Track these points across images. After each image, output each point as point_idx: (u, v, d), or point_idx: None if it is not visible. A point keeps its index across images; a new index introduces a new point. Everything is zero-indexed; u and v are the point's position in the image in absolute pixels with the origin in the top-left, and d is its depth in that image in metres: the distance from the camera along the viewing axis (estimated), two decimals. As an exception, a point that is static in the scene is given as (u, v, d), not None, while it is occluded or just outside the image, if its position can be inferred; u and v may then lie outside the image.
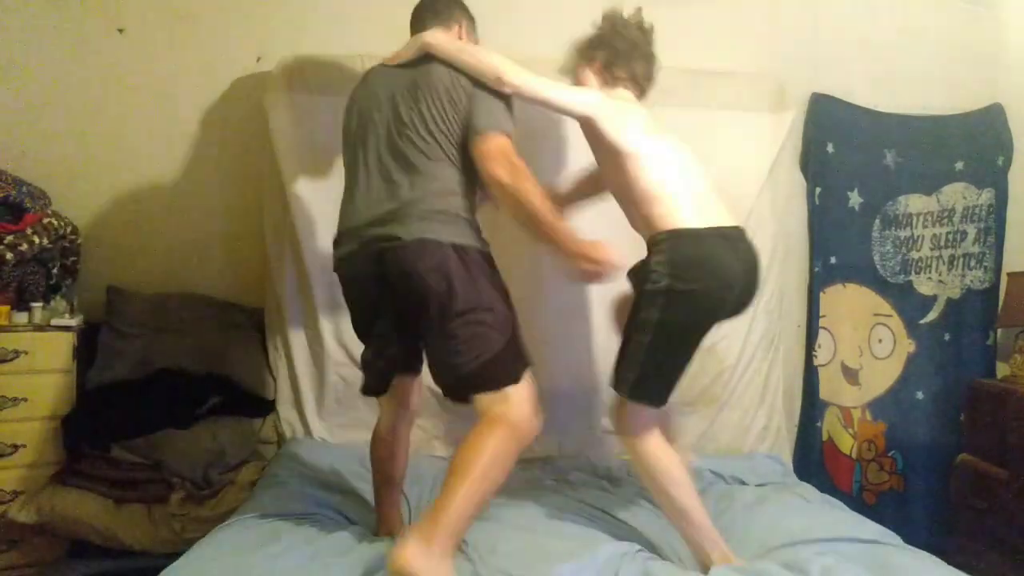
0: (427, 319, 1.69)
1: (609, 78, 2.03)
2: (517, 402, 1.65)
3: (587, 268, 1.70)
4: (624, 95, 2.03)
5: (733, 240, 1.84)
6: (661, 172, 1.86)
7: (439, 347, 1.72)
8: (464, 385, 1.69)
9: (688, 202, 1.83)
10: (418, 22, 1.98)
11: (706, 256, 1.77)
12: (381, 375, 1.90)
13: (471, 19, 2.05)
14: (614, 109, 1.91)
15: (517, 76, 1.78)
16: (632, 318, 1.82)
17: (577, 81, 2.07)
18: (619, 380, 1.83)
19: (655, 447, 1.80)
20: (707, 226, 1.81)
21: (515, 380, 1.67)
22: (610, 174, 1.97)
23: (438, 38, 1.85)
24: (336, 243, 1.87)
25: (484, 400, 1.66)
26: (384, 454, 1.97)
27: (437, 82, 1.78)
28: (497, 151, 1.70)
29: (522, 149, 1.76)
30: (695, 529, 1.78)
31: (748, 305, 1.91)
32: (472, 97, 1.76)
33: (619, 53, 2.02)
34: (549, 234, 1.70)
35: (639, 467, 1.85)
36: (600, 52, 2.04)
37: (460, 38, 1.96)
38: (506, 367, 1.68)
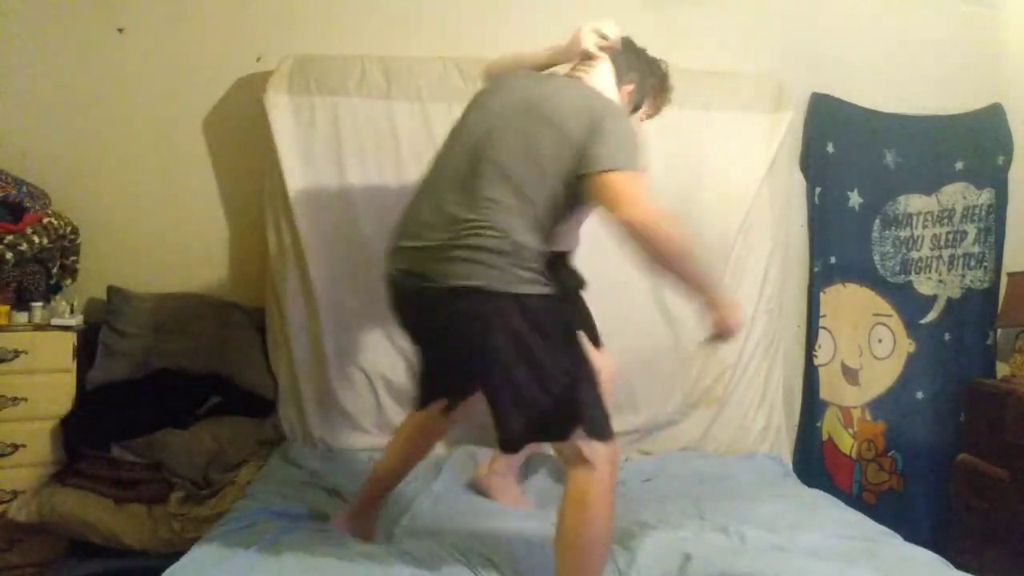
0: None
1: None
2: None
3: (724, 327, 1.60)
4: None
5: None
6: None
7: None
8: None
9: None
10: None
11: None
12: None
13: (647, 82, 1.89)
14: None
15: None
16: None
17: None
18: None
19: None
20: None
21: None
22: None
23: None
24: None
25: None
26: (410, 447, 1.88)
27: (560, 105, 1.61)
28: (633, 191, 1.49)
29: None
30: None
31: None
32: (594, 130, 1.54)
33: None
34: (699, 286, 1.57)
35: None
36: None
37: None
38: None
